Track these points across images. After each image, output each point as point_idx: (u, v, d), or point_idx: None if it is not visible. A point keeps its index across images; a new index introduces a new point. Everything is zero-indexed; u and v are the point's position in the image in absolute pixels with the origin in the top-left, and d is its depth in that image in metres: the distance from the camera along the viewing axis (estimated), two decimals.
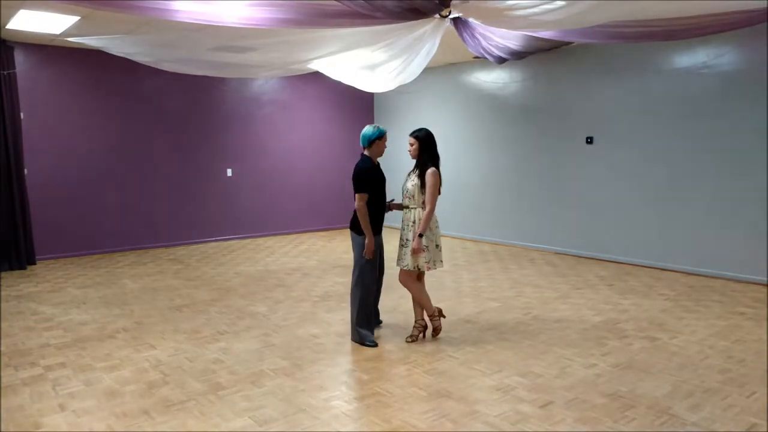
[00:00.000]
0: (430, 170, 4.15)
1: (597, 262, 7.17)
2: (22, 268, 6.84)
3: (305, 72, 6.67)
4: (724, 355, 3.99)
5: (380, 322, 4.67)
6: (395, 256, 4.39)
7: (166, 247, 8.27)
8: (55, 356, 4.00)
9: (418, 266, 4.15)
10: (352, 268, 4.26)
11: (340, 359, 3.94)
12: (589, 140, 7.34)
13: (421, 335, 4.33)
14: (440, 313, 4.37)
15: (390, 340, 4.29)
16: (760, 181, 5.87)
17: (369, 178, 4.15)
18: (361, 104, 10.22)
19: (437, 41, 5.22)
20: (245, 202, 9.03)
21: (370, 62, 5.99)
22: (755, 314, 4.93)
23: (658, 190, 6.68)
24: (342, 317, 4.87)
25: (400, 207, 4.36)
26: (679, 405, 3.22)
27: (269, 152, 9.21)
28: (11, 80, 6.75)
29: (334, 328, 4.61)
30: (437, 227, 4.28)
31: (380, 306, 4.70)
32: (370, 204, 4.12)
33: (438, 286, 5.88)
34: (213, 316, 4.94)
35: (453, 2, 4.29)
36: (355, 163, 4.22)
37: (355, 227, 4.20)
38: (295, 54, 5.74)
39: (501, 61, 6.81)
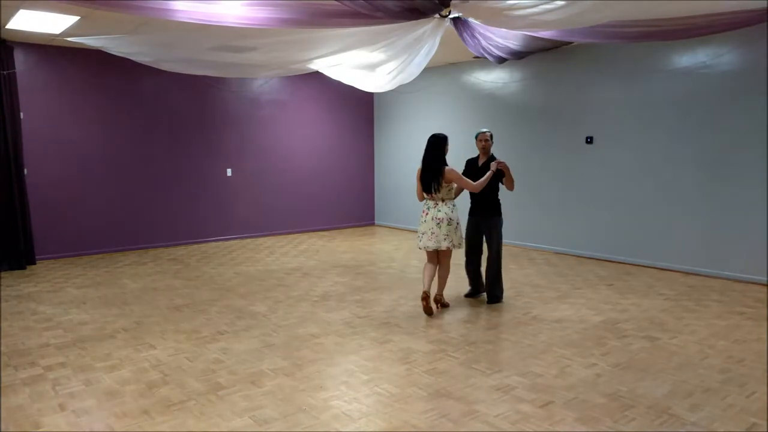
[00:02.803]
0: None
1: (597, 262, 7.17)
2: (22, 268, 6.84)
3: (305, 72, 6.67)
4: (724, 355, 3.99)
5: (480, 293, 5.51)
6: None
7: (166, 247, 8.28)
8: (55, 356, 4.00)
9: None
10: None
11: (340, 359, 3.94)
12: (589, 140, 7.34)
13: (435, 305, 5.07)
14: (428, 298, 4.93)
15: (390, 340, 4.30)
16: (760, 181, 5.87)
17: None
18: (361, 104, 10.22)
19: (437, 41, 5.22)
20: (245, 202, 9.03)
21: (369, 62, 5.99)
22: (755, 314, 4.93)
23: (658, 189, 6.69)
24: (342, 317, 4.88)
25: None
26: (678, 405, 3.22)
27: (269, 152, 9.21)
28: (11, 80, 6.75)
29: (334, 328, 4.61)
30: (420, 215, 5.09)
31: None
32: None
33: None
34: (213, 316, 4.94)
35: (453, 2, 4.29)
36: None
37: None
38: (295, 54, 5.74)
39: (501, 61, 6.81)
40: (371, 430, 2.94)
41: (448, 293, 5.41)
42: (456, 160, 5.40)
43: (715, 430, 2.93)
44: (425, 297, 4.88)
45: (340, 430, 2.94)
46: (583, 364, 3.82)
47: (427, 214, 4.94)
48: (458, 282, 5.99)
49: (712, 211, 6.26)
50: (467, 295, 5.49)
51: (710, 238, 6.29)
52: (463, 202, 5.40)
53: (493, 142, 5.24)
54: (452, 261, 5.19)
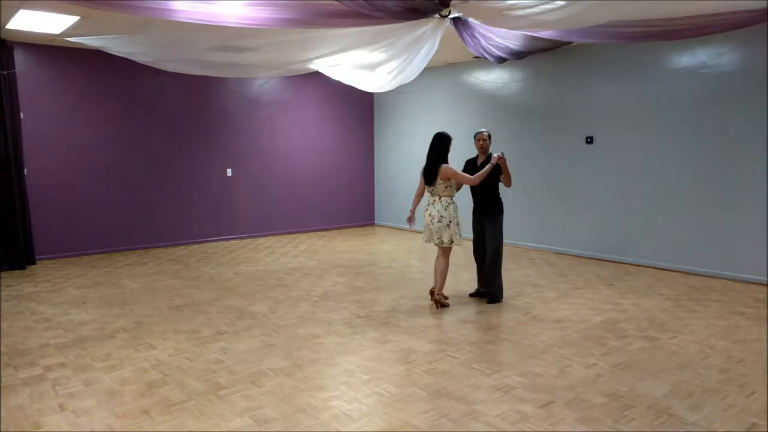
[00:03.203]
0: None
1: (597, 262, 7.17)
2: (22, 268, 6.84)
3: (305, 72, 6.67)
4: (724, 355, 3.99)
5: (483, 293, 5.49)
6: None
7: (166, 247, 8.27)
8: (55, 356, 4.00)
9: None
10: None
11: (340, 359, 3.94)
12: (589, 140, 7.34)
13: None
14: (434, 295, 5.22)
15: (390, 340, 4.30)
16: (760, 181, 5.87)
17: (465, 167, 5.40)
18: (361, 104, 10.22)
19: (437, 41, 5.23)
20: (245, 202, 9.03)
21: (369, 62, 5.99)
22: (755, 314, 4.93)
23: (658, 189, 6.69)
24: (342, 317, 4.88)
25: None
26: (678, 405, 3.22)
27: (269, 152, 9.21)
28: (11, 80, 6.75)
29: (334, 328, 4.61)
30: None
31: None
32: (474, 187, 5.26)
33: None
34: (213, 316, 4.94)
35: (453, 2, 4.29)
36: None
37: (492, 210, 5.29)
38: (295, 54, 5.74)
39: (501, 61, 6.82)
40: (371, 430, 2.94)
41: (449, 293, 5.41)
42: (455, 159, 5.41)
43: (715, 430, 2.93)
44: (431, 291, 5.28)
45: (340, 430, 2.94)
46: (583, 364, 3.82)
47: (426, 209, 5.15)
48: (459, 283, 5.99)
49: (713, 211, 6.25)
50: (472, 294, 5.50)
51: (710, 238, 6.29)
52: (469, 201, 5.43)
53: (491, 142, 5.28)
54: (452, 261, 5.21)
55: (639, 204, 6.88)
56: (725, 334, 4.42)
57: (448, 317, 4.88)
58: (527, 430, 2.93)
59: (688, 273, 6.45)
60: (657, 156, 6.67)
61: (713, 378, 3.59)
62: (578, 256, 7.47)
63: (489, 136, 5.27)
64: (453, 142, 5.17)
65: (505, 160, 5.09)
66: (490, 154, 5.19)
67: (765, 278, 5.88)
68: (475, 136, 5.29)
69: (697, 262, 6.41)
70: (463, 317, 4.88)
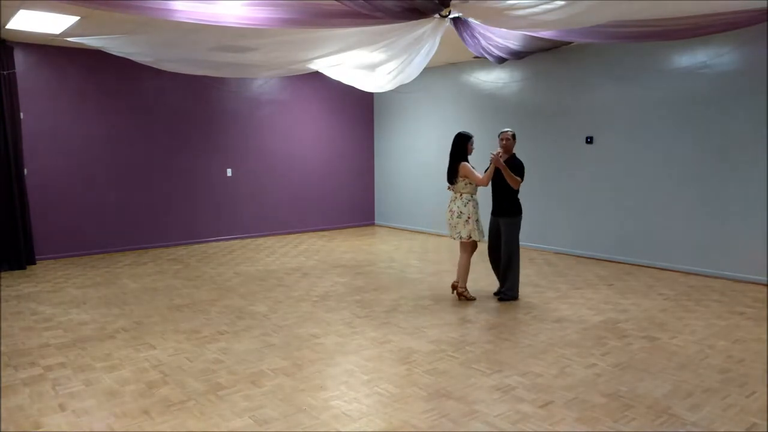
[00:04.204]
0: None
1: (597, 262, 7.17)
2: (22, 268, 6.84)
3: (305, 72, 6.67)
4: (724, 355, 3.99)
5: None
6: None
7: (166, 247, 8.27)
8: (55, 356, 4.00)
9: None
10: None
11: (340, 359, 3.94)
12: (589, 140, 7.34)
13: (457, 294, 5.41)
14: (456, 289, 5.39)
15: (390, 340, 4.30)
16: (760, 181, 5.87)
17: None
18: (361, 104, 10.22)
19: (437, 41, 5.23)
20: (245, 202, 9.03)
21: (369, 62, 5.99)
22: (755, 314, 4.93)
23: (658, 189, 6.69)
24: (342, 317, 4.88)
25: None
26: (678, 405, 3.22)
27: (269, 152, 9.21)
28: (11, 80, 6.75)
29: (334, 328, 4.61)
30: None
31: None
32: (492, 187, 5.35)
33: (439, 286, 5.89)
34: (213, 316, 4.94)
35: (453, 2, 4.29)
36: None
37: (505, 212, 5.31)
38: (295, 54, 5.74)
39: (501, 61, 6.81)
40: (371, 430, 2.94)
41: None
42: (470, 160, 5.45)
43: (715, 430, 2.93)
44: (453, 285, 5.42)
45: (340, 430, 2.94)
46: (583, 364, 3.82)
47: (448, 206, 5.45)
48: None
49: (712, 211, 6.25)
50: (495, 293, 5.51)
51: (710, 238, 6.29)
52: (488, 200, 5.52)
53: (515, 141, 5.33)
54: (472, 258, 5.34)
55: (639, 204, 6.88)
56: (725, 334, 4.42)
57: (448, 317, 4.88)
58: (527, 430, 2.93)
59: (688, 273, 6.45)
60: (657, 156, 6.67)
61: (713, 378, 3.60)
62: (578, 256, 7.47)
63: (513, 135, 5.29)
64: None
65: (497, 158, 5.09)
66: (513, 155, 5.26)
67: (765, 278, 5.88)
68: (498, 136, 5.35)
69: (697, 262, 6.41)
70: (463, 317, 4.89)
